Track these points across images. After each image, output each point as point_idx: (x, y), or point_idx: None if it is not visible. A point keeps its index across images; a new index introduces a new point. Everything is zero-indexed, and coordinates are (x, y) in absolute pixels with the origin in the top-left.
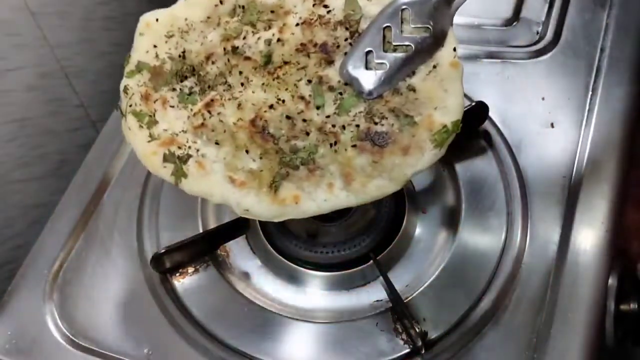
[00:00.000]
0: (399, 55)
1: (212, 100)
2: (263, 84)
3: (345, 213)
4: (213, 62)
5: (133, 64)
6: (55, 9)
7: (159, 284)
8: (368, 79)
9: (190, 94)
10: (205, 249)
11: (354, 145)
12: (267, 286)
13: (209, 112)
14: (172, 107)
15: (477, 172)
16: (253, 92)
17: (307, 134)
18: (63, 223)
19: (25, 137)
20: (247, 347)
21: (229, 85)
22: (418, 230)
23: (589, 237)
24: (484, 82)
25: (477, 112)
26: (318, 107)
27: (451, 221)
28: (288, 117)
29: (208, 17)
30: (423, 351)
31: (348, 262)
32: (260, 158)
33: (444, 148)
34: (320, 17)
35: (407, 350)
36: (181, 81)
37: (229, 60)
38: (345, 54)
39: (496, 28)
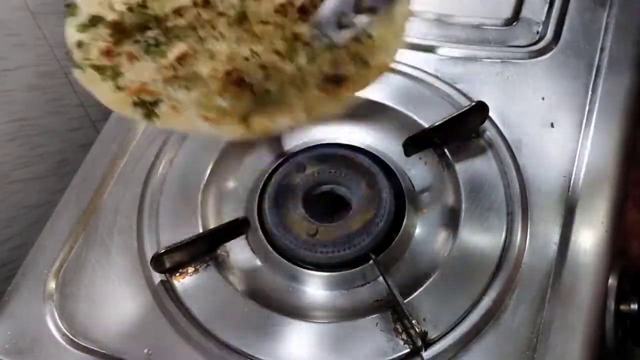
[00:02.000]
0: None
1: (184, 55)
2: (238, 38)
3: (344, 214)
4: (180, 15)
5: (84, 17)
6: (55, 9)
7: (159, 284)
8: (333, 28)
9: (157, 44)
10: (205, 249)
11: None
12: (267, 286)
13: (181, 64)
14: (138, 60)
15: (477, 172)
16: (228, 47)
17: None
18: (63, 223)
19: (25, 136)
20: (247, 347)
21: (201, 39)
22: (418, 230)
23: (589, 237)
24: (484, 82)
25: (477, 112)
26: (292, 60)
27: (451, 221)
28: (262, 67)
29: None
30: (423, 351)
31: (348, 262)
32: (232, 100)
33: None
34: None
35: (407, 350)
36: (143, 32)
37: (199, 14)
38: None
39: (496, 28)
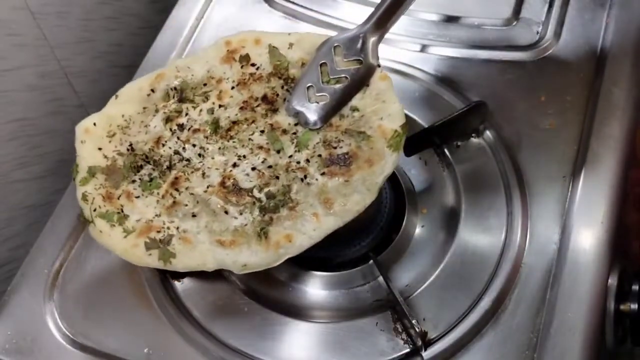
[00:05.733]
0: (337, 86)
1: (176, 178)
2: (220, 148)
3: None
4: (163, 145)
5: (84, 171)
6: (55, 9)
7: (159, 284)
8: (312, 111)
9: (151, 180)
10: None
11: (322, 173)
12: (267, 286)
13: (177, 189)
14: (138, 197)
15: (477, 172)
16: (213, 158)
17: (277, 177)
18: (63, 223)
19: (25, 136)
20: (247, 347)
21: (188, 160)
22: (418, 230)
23: (589, 237)
24: (484, 82)
25: (477, 112)
26: (278, 151)
27: (451, 221)
28: (253, 169)
29: (144, 108)
30: (423, 351)
31: (348, 262)
32: (241, 214)
33: (401, 149)
34: (251, 74)
35: (407, 350)
36: (138, 171)
37: (178, 138)
38: (285, 99)
39: (496, 28)
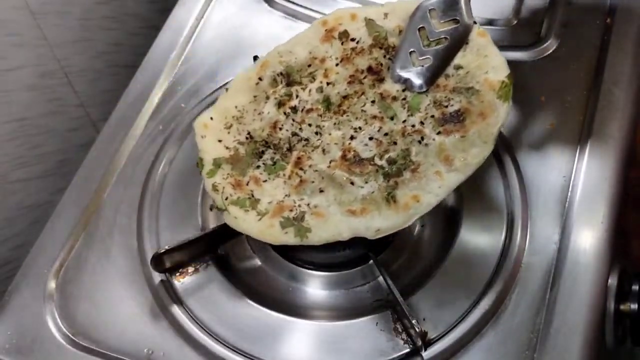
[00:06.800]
0: (439, 47)
1: (298, 158)
2: (335, 123)
3: None
4: (280, 129)
5: (209, 164)
6: (55, 8)
7: (159, 284)
8: (417, 75)
9: (274, 163)
10: (205, 249)
11: (438, 133)
12: (267, 286)
13: (301, 169)
14: (265, 181)
15: (477, 172)
16: (330, 134)
17: (395, 143)
18: (63, 223)
19: (25, 136)
20: (247, 347)
21: (306, 140)
22: (418, 230)
23: (589, 237)
24: None
25: None
26: (392, 118)
27: (451, 221)
28: (371, 138)
29: (254, 96)
30: (423, 351)
31: (348, 262)
32: (366, 182)
33: (510, 99)
34: (353, 49)
35: (407, 350)
36: (260, 157)
37: (293, 120)
38: (389, 68)
39: (496, 28)
